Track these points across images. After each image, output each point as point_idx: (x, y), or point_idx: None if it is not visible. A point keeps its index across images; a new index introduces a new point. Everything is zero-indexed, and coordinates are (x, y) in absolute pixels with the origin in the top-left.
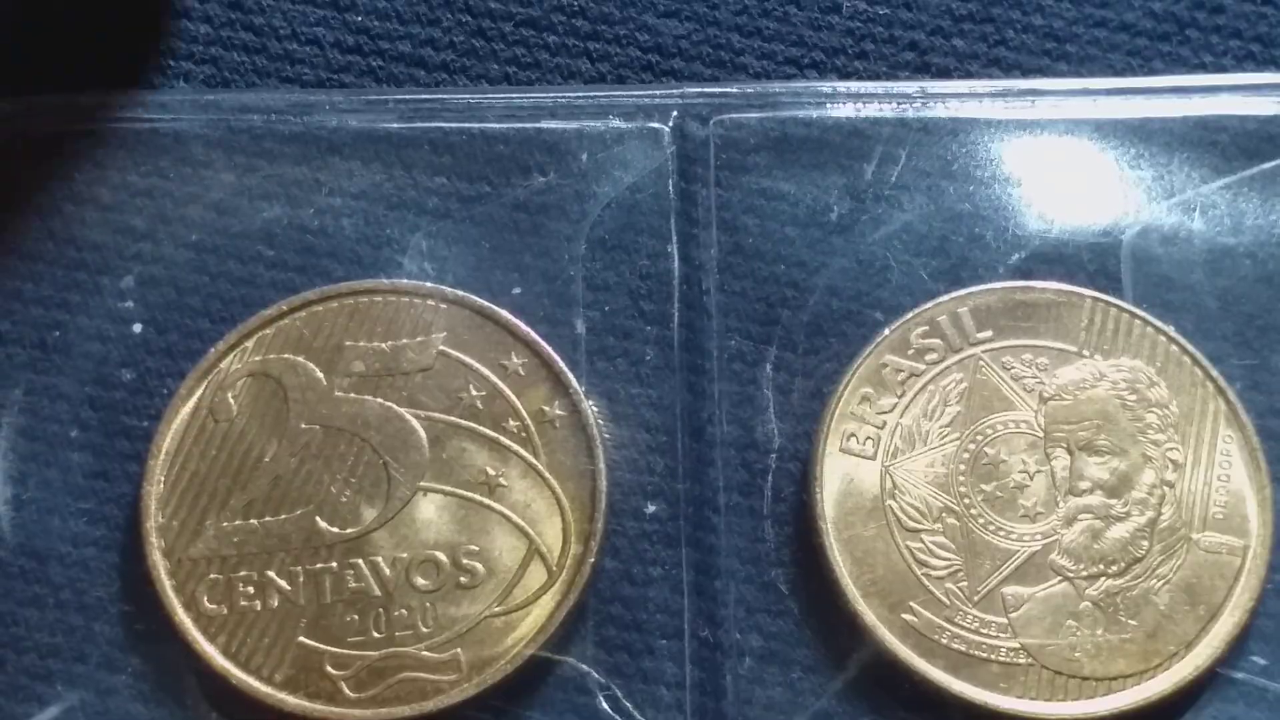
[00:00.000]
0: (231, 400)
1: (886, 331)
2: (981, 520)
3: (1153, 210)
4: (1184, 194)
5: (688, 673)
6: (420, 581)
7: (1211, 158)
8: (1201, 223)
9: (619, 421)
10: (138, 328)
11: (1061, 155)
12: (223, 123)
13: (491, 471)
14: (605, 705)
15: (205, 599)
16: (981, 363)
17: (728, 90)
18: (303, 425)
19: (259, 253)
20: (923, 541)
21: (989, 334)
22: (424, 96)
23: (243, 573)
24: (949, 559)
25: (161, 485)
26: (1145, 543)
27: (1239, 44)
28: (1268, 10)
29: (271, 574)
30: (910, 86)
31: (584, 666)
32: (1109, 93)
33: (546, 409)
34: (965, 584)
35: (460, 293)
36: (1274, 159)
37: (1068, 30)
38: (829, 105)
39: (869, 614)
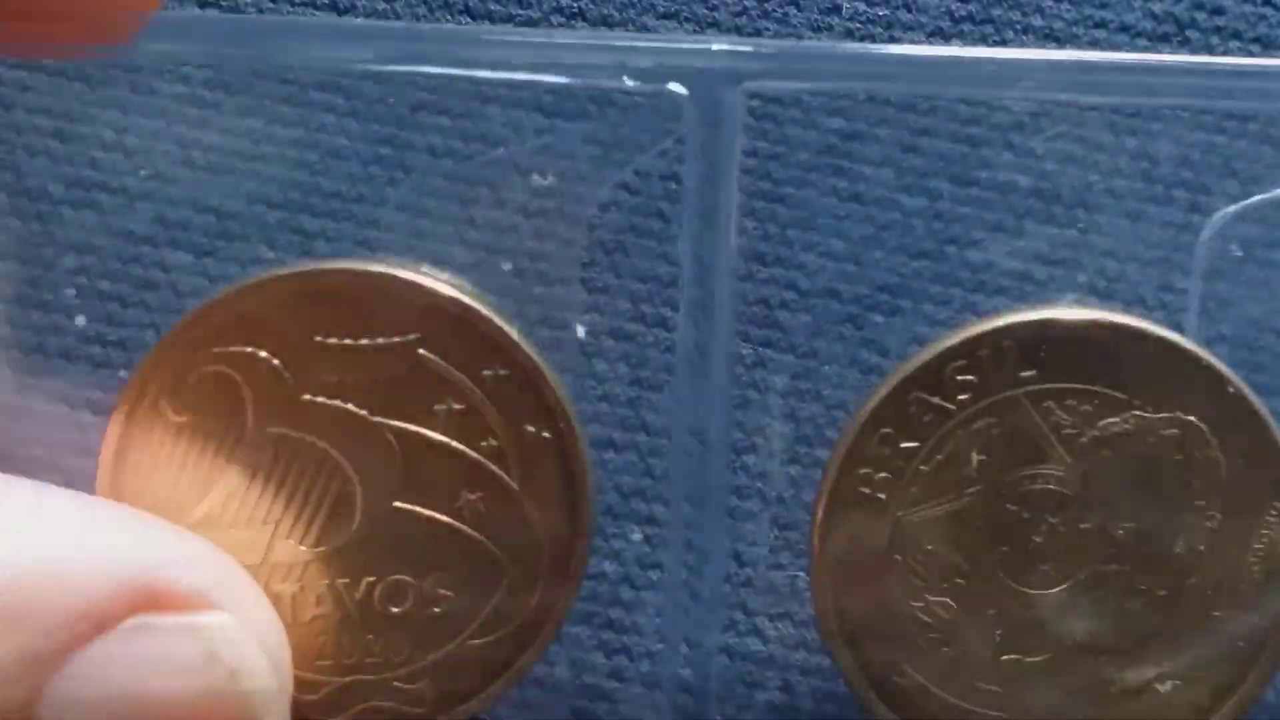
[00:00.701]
0: (186, 400)
1: (917, 363)
2: (992, 583)
3: (1232, 215)
4: (1267, 195)
5: (665, 716)
6: (390, 608)
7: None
8: None
9: (609, 439)
10: (80, 320)
11: (1128, 149)
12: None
13: (468, 495)
14: None
15: None
16: (1020, 406)
17: (762, 48)
18: (265, 430)
19: (217, 229)
20: (925, 601)
21: (1033, 373)
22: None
23: None
24: (951, 621)
25: (112, 498)
26: (1162, 619)
27: (1239, 45)
28: (1268, 11)
29: None
30: (983, 54)
31: (556, 706)
32: (1180, 71)
33: (530, 428)
34: (964, 649)
35: (440, 287)
36: None
37: (1068, 31)
38: (875, 82)
39: (860, 676)
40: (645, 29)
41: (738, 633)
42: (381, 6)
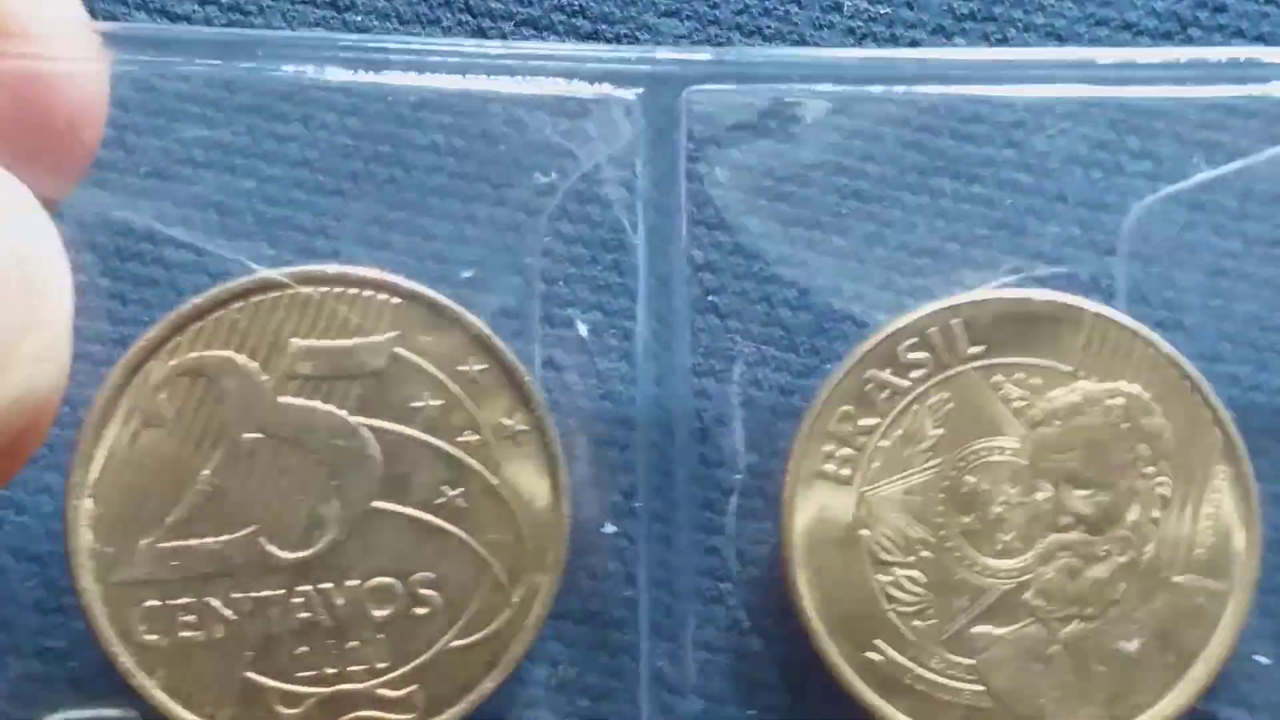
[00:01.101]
0: (164, 401)
1: (871, 342)
2: (957, 554)
3: (1153, 199)
4: (1187, 182)
5: (643, 707)
6: (374, 612)
7: (1219, 141)
8: (1204, 213)
9: (577, 432)
10: None
11: (1058, 139)
12: (140, 66)
13: (449, 490)
14: None
15: (142, 628)
16: (970, 381)
17: (702, 57)
18: (244, 435)
19: (190, 232)
20: (894, 575)
21: (981, 349)
22: (370, 41)
23: (182, 599)
24: (919, 595)
25: (88, 500)
26: (1123, 584)
27: (1241, 43)
28: (1270, 9)
29: (214, 601)
30: (901, 54)
31: (540, 698)
32: (1106, 70)
33: (507, 421)
34: (934, 622)
35: (415, 286)
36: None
37: (1070, 29)
38: (814, 80)
39: (833, 652)
40: (646, 26)
41: (699, 662)
42: (381, 6)
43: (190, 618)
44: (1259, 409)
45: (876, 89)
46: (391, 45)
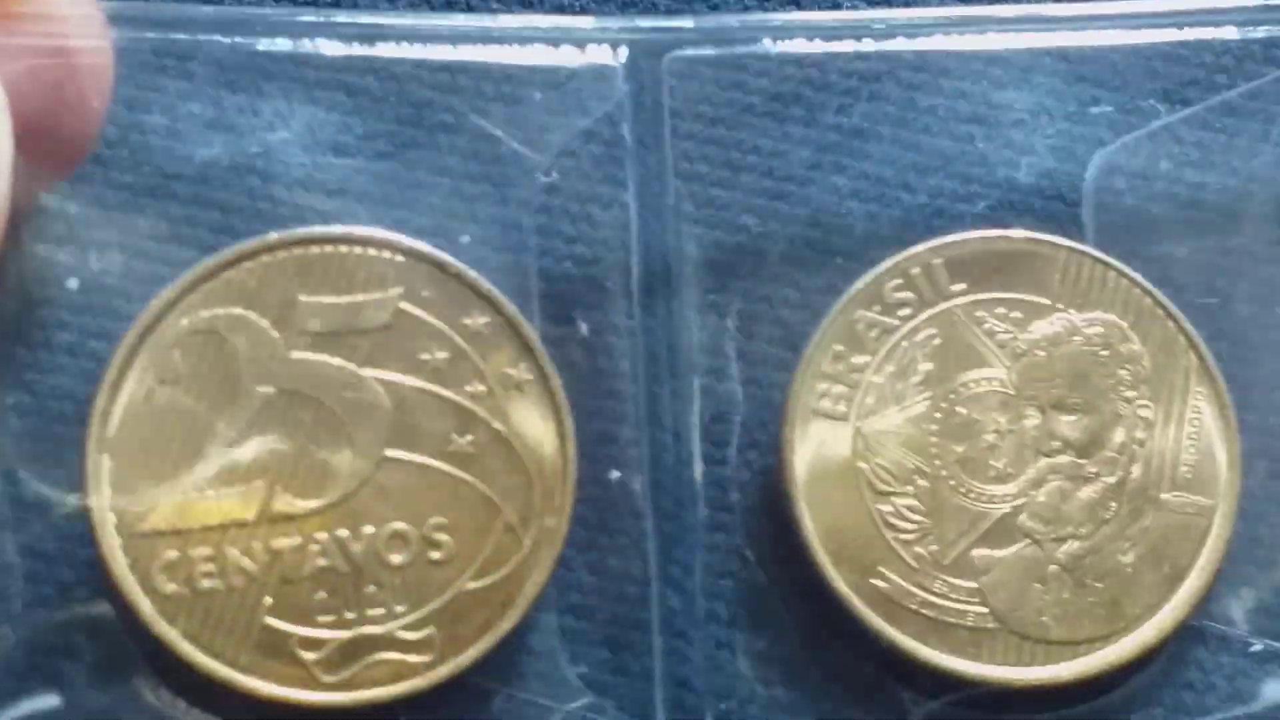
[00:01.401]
0: (178, 359)
1: (859, 284)
2: (952, 482)
3: (1116, 145)
4: (1148, 128)
5: (655, 642)
6: (390, 557)
7: (1177, 88)
8: (1166, 157)
9: (578, 386)
10: (73, 283)
11: (1025, 92)
12: (145, 41)
13: (458, 438)
14: (574, 677)
15: (163, 578)
16: (955, 317)
17: (682, 24)
18: (256, 388)
19: (197, 195)
20: (893, 505)
21: (963, 286)
22: (365, 21)
23: (201, 550)
24: (919, 522)
25: (106, 455)
26: (1114, 504)
27: None
28: None
29: (233, 551)
30: (871, 15)
31: (554, 637)
32: (1071, 20)
33: (512, 372)
34: (935, 548)
35: (418, 244)
36: (1237, 87)
37: None
38: (787, 40)
39: (838, 580)
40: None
41: (707, 596)
42: None
43: (209, 568)
44: (1227, 335)
45: (848, 47)
46: (384, 21)
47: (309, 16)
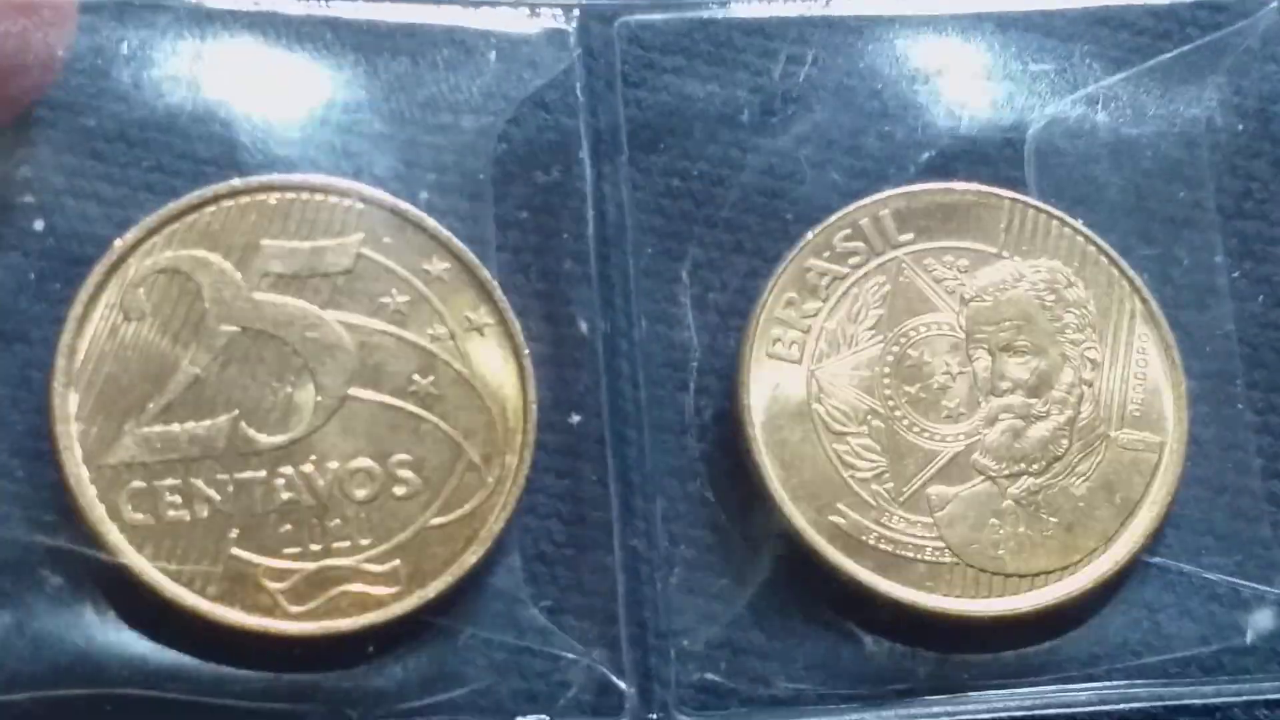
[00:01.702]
0: (143, 296)
1: (809, 235)
2: (906, 422)
3: (1057, 104)
4: (1087, 88)
5: (619, 583)
6: (355, 492)
7: (1114, 50)
8: (1105, 115)
9: (536, 334)
10: (39, 224)
11: (967, 51)
12: None
13: (419, 379)
14: (539, 616)
15: (129, 508)
16: (903, 265)
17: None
18: (221, 326)
19: (164, 142)
20: (849, 444)
21: (910, 236)
22: None
23: (168, 481)
24: (874, 460)
25: (73, 389)
26: (1065, 441)
27: None
28: None
29: (198, 482)
30: None
31: (518, 578)
32: None
33: (472, 316)
34: (891, 485)
35: (377, 192)
36: (1173, 49)
37: None
38: (733, 5)
39: (797, 517)
40: None
41: (668, 537)
42: None
43: (175, 498)
44: (1173, 281)
45: (792, 10)
46: None
47: None
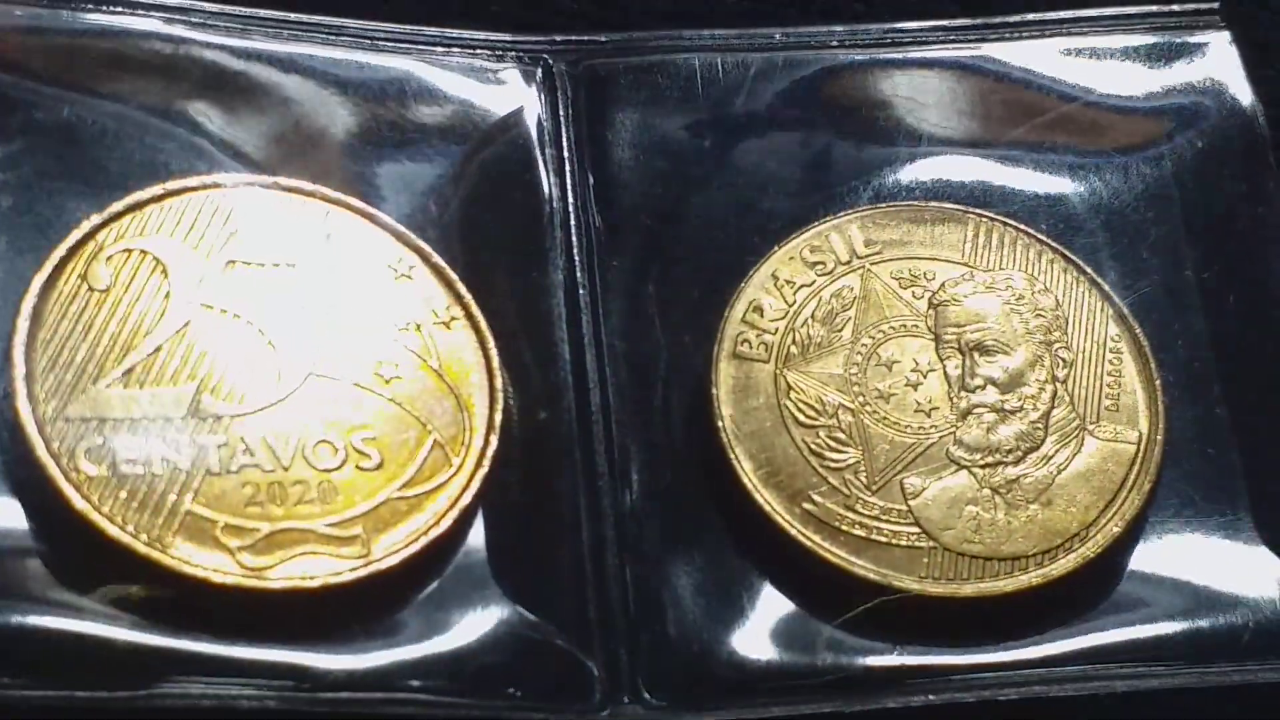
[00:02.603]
0: (107, 267)
1: (776, 248)
2: (877, 415)
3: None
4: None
5: (587, 570)
6: (318, 460)
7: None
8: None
9: (504, 339)
10: (7, 201)
11: (923, 88)
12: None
13: (384, 363)
14: (506, 598)
15: (85, 460)
16: (871, 272)
17: (596, 39)
18: (185, 302)
19: (135, 133)
20: (819, 436)
21: (878, 249)
22: (294, 18)
23: (125, 437)
24: (846, 451)
25: (28, 343)
26: (1041, 433)
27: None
28: None
29: (157, 441)
30: (770, 33)
31: (485, 558)
32: (959, 30)
33: (438, 310)
34: (864, 474)
35: (345, 196)
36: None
37: None
38: (694, 54)
39: (769, 504)
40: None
41: (639, 524)
42: None
43: (132, 455)
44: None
45: (747, 55)
46: (350, 24)
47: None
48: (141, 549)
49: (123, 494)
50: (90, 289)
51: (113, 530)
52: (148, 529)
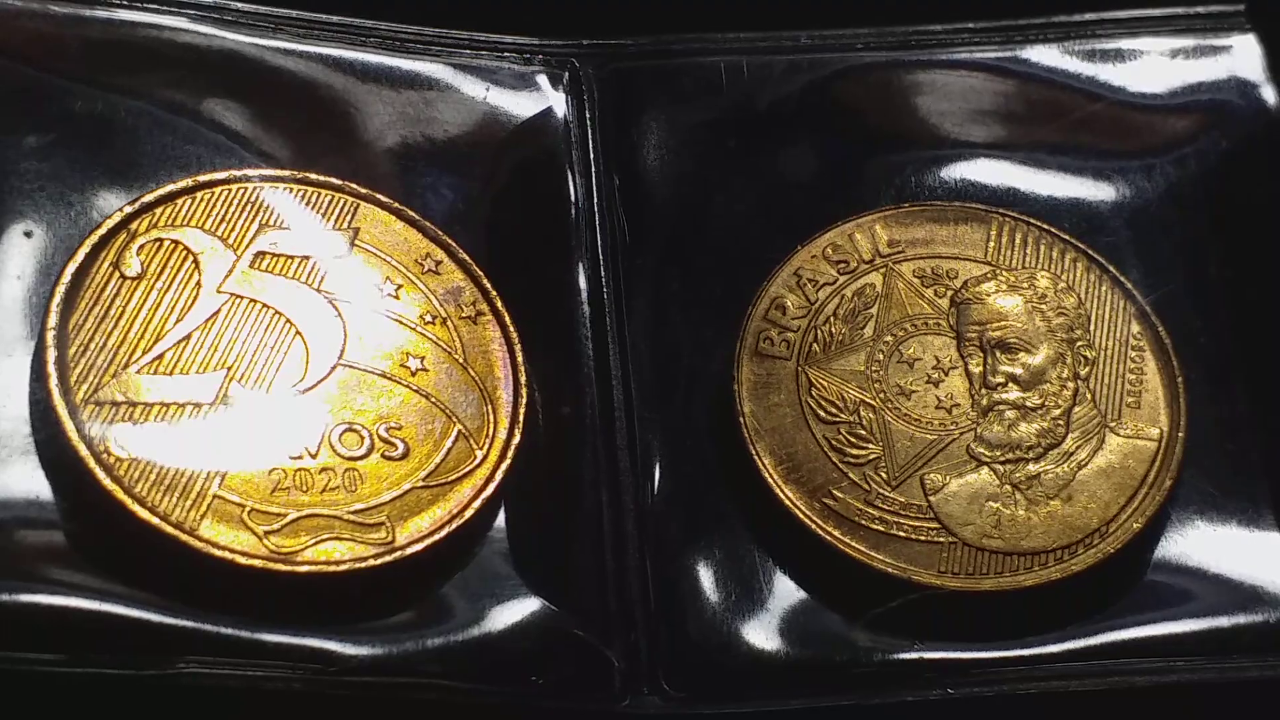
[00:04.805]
0: (138, 256)
1: (799, 247)
2: (898, 411)
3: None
4: (1070, 116)
5: (609, 563)
6: (344, 449)
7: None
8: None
9: (529, 335)
10: (40, 190)
11: (947, 89)
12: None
13: (411, 355)
14: (528, 589)
15: (114, 443)
16: (894, 271)
17: (622, 42)
18: (215, 291)
19: (165, 128)
20: (840, 432)
21: (900, 249)
22: (324, 19)
23: (154, 421)
24: (867, 447)
25: (60, 328)
26: (1062, 430)
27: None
28: None
29: (185, 423)
30: (795, 35)
31: (508, 549)
32: (984, 32)
33: (465, 304)
34: (885, 470)
35: (373, 191)
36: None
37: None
38: (719, 56)
39: (789, 499)
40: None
41: (659, 518)
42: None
43: (161, 439)
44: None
45: (773, 59)
46: (379, 26)
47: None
48: (170, 530)
49: (151, 477)
50: (122, 277)
51: (142, 512)
52: (176, 511)
